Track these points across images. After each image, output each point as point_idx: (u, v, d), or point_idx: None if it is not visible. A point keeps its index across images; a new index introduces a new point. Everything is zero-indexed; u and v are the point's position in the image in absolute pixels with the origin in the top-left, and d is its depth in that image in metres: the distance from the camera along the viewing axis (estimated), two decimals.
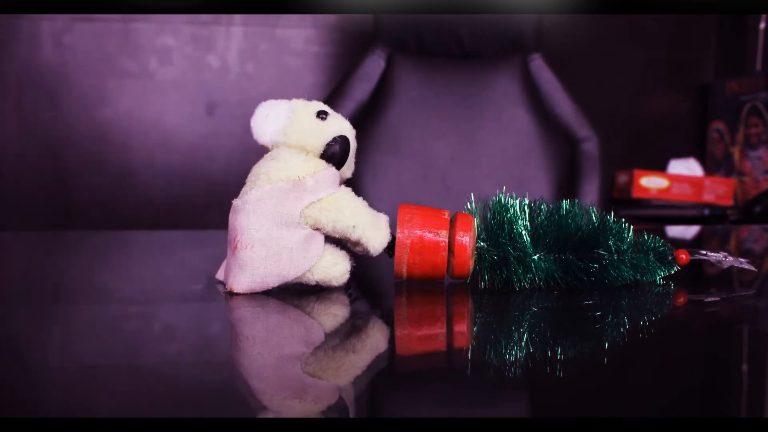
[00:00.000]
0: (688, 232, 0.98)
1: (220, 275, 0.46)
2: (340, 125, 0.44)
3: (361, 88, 1.25)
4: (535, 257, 0.43)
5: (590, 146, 1.25)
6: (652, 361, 0.32)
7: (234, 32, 1.48)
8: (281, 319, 0.39)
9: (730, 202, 1.61)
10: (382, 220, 0.44)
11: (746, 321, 0.42)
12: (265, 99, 0.44)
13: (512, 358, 0.31)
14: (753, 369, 0.32)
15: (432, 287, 0.46)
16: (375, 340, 0.35)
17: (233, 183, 1.58)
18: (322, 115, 0.43)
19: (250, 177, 0.43)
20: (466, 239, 0.43)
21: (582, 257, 0.44)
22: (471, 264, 0.44)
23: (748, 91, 1.60)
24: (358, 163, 1.48)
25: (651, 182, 1.56)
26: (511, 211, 0.43)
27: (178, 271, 0.59)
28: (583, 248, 0.44)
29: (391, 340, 0.35)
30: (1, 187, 1.44)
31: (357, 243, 0.43)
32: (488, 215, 0.44)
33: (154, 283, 0.53)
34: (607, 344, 0.34)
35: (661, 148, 1.71)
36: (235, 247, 0.41)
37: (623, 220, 0.45)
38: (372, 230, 0.43)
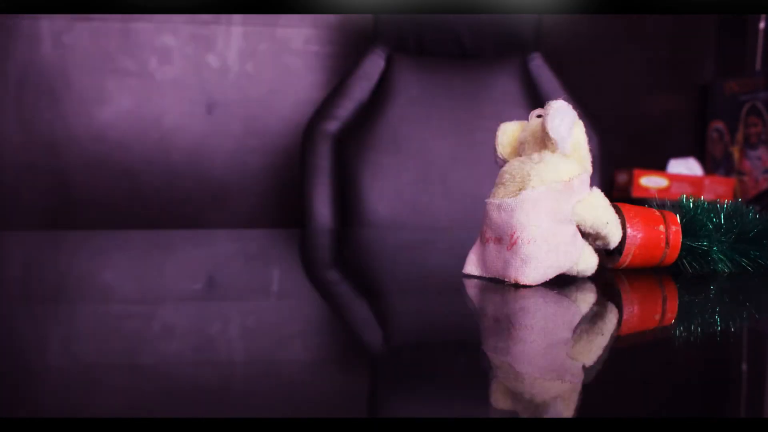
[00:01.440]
0: None
1: (469, 269, 0.50)
2: None
3: (361, 88, 1.25)
4: (725, 248, 0.53)
5: (590, 146, 1.25)
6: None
7: (234, 32, 1.48)
8: (556, 309, 0.44)
9: None
10: (616, 218, 0.50)
11: None
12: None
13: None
14: None
15: (643, 275, 0.53)
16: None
17: (233, 183, 1.58)
18: None
19: (513, 178, 0.47)
20: (679, 233, 0.52)
21: (758, 248, 0.53)
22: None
23: (748, 90, 1.60)
24: (358, 163, 1.48)
25: (651, 182, 1.55)
26: (699, 209, 0.53)
27: (178, 271, 0.59)
28: (757, 241, 0.53)
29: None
30: (1, 187, 1.44)
31: (599, 237, 0.49)
32: (679, 214, 0.52)
33: (154, 283, 0.53)
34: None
35: (661, 147, 1.71)
36: (515, 242, 0.46)
37: None
38: (615, 227, 0.49)
